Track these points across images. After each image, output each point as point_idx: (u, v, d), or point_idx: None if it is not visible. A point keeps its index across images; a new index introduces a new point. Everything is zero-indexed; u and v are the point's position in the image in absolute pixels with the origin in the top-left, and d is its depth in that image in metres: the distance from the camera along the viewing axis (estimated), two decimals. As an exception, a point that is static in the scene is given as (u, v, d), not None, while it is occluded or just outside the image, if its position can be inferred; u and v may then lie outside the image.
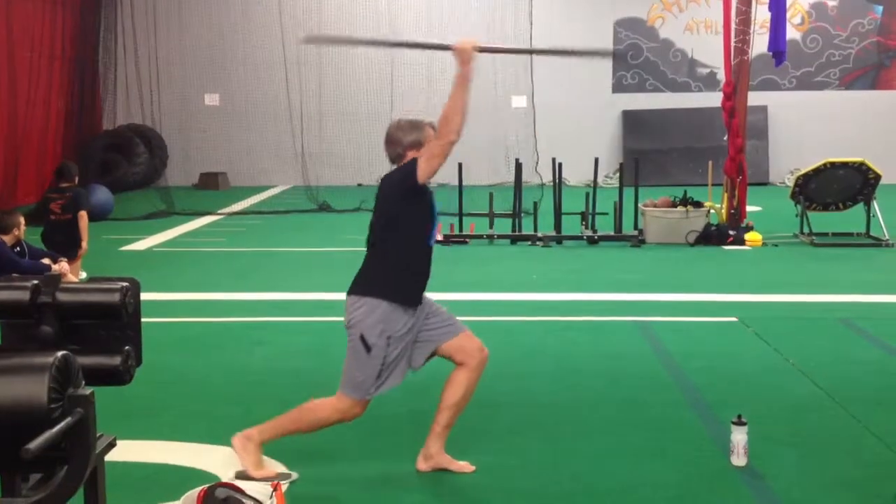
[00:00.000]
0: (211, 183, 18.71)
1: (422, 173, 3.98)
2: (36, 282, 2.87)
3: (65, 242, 8.56)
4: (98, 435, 2.67)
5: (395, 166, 4.19)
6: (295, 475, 4.19)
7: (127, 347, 2.92)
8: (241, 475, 4.11)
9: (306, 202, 15.44)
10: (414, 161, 4.03)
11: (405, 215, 4.09)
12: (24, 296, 2.84)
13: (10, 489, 2.78)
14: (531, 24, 17.50)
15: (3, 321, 2.98)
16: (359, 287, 4.12)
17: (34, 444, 2.27)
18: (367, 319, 4.03)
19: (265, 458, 4.24)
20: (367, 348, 4.02)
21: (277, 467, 4.27)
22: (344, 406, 4.12)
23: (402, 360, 4.13)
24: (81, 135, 17.18)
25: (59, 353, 2.49)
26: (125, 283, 2.92)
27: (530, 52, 4.44)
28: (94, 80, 17.56)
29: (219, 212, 14.90)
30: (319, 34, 4.25)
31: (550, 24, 18.59)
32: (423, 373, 4.38)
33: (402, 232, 4.09)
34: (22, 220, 7.58)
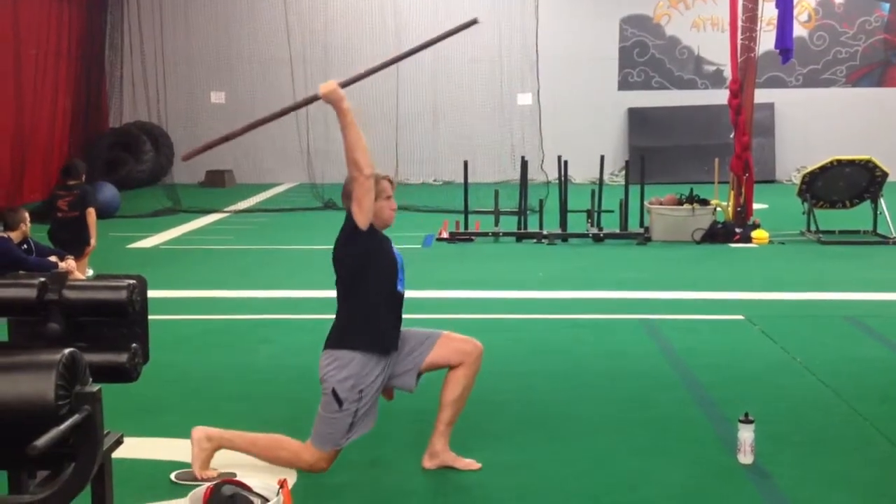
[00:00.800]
0: (217, 181, 18.73)
1: (359, 219, 4.00)
2: (43, 279, 2.88)
3: (71, 240, 8.58)
4: (105, 432, 2.68)
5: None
6: (236, 474, 4.14)
7: (134, 345, 2.93)
8: (184, 476, 4.12)
9: (312, 200, 15.44)
10: (349, 216, 4.04)
11: (367, 266, 4.06)
12: (32, 293, 2.84)
13: (17, 486, 2.79)
14: (537, 21, 17.48)
15: (10, 318, 2.99)
16: (332, 341, 4.11)
17: (41, 441, 2.27)
18: (339, 374, 4.01)
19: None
20: (339, 402, 4.01)
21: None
22: (311, 459, 4.10)
23: (374, 406, 4.12)
24: (88, 132, 17.22)
25: (67, 351, 2.49)
26: (132, 281, 2.92)
27: (395, 60, 4.37)
28: (101, 78, 17.59)
29: (225, 209, 14.92)
30: (193, 149, 4.26)
31: (556, 22, 18.58)
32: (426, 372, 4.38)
33: (369, 283, 4.07)
34: (27, 216, 7.61)
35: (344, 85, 4.05)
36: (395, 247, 4.24)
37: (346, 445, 4.11)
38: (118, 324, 2.93)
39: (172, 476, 4.14)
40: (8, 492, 2.80)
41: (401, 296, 4.21)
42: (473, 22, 4.27)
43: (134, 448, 4.02)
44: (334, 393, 4.02)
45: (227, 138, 4.18)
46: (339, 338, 4.09)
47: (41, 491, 2.55)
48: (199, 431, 4.19)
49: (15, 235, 7.46)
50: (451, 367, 4.26)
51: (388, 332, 4.13)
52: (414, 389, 4.28)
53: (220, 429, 4.24)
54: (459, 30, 4.30)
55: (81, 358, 2.55)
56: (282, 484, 3.53)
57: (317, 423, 4.11)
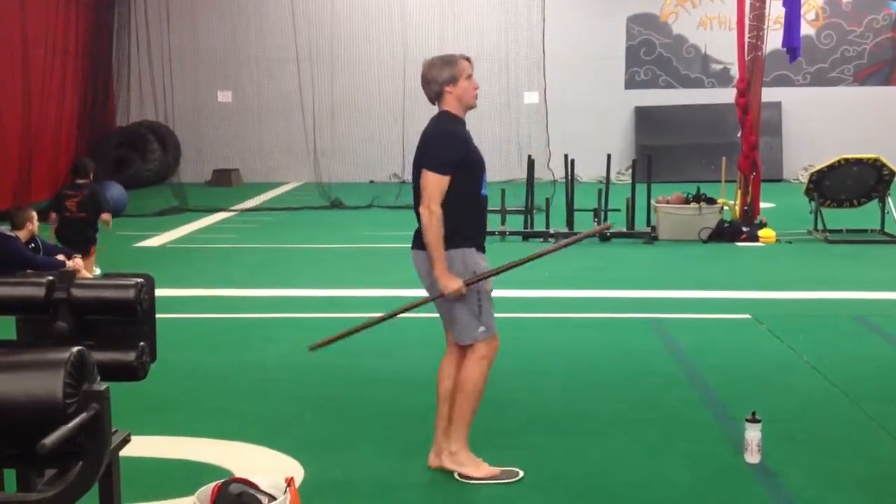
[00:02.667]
0: (224, 179, 18.76)
1: (425, 174, 4.04)
2: (51, 278, 2.88)
3: (79, 239, 8.61)
4: (113, 430, 2.68)
5: (436, 106, 4.20)
6: (521, 472, 4.18)
7: (142, 343, 2.93)
8: (464, 476, 4.14)
9: (318, 199, 15.46)
10: (438, 156, 4.03)
11: (459, 168, 4.08)
12: (40, 292, 2.85)
13: (25, 484, 2.79)
14: (544, 19, 17.47)
15: (18, 317, 3.00)
16: (423, 242, 4.10)
17: (50, 440, 2.27)
18: (451, 269, 4.04)
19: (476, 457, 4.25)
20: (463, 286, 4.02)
21: (290, 464, 4.28)
22: (482, 351, 4.13)
23: (489, 294, 4.14)
24: (95, 132, 17.26)
25: (75, 349, 2.49)
26: (140, 280, 2.92)
27: (529, 259, 4.46)
28: (108, 77, 17.64)
29: (232, 208, 14.94)
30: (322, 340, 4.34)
31: (563, 20, 18.56)
32: (433, 371, 4.39)
33: (455, 188, 4.07)
34: (34, 215, 7.63)
35: (468, 284, 4.07)
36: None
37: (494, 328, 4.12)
38: (126, 322, 2.93)
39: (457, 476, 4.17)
40: (16, 489, 2.81)
41: (485, 198, 4.26)
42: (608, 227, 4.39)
43: (141, 446, 4.02)
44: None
45: (356, 329, 4.21)
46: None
47: (49, 489, 2.55)
48: (447, 463, 4.18)
49: (22, 234, 7.48)
50: (443, 359, 4.27)
51: (477, 231, 4.18)
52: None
53: (448, 442, 4.18)
54: (430, 301, 4.27)
55: (90, 356, 2.55)
56: (289, 482, 3.53)
57: (455, 323, 4.11)
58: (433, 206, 3.99)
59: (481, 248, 4.20)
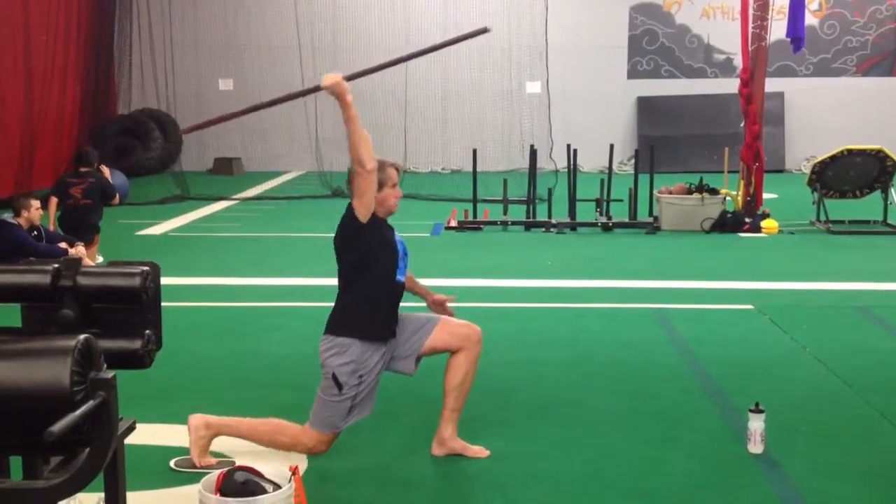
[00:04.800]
0: (225, 168, 18.74)
1: (360, 212, 4.00)
2: (57, 265, 2.89)
3: (82, 226, 8.62)
4: (118, 418, 2.69)
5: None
6: (235, 461, 4.15)
7: (147, 331, 2.93)
8: (183, 463, 4.14)
9: (320, 188, 15.44)
10: (350, 208, 4.04)
11: (368, 259, 4.07)
12: (46, 279, 2.85)
13: (31, 471, 2.80)
14: (546, 9, 17.42)
15: (23, 304, 3.00)
16: (332, 327, 4.13)
17: (57, 427, 2.28)
18: (339, 359, 4.04)
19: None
20: (339, 387, 4.04)
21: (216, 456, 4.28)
22: (310, 442, 4.13)
23: (373, 391, 4.15)
24: (96, 119, 17.24)
25: (82, 337, 2.50)
26: (145, 268, 2.93)
27: (402, 60, 4.40)
28: (109, 65, 17.60)
29: (233, 197, 14.93)
30: (193, 124, 4.35)
31: (566, 9, 18.52)
32: (435, 358, 4.39)
33: (369, 272, 4.08)
34: (33, 203, 7.61)
35: (349, 78, 4.01)
36: (398, 235, 4.24)
37: (344, 429, 4.14)
38: (132, 310, 2.93)
39: (171, 463, 4.16)
40: (22, 477, 2.82)
41: (401, 285, 4.23)
42: (484, 30, 4.27)
43: (146, 434, 4.03)
44: (334, 378, 4.04)
45: (225, 118, 4.19)
46: (338, 324, 4.11)
47: (55, 476, 2.56)
48: (197, 419, 4.20)
49: (21, 222, 7.48)
50: (452, 353, 4.27)
51: (386, 321, 4.15)
52: (413, 373, 4.29)
53: (218, 416, 4.24)
54: (468, 37, 4.30)
55: (96, 344, 2.55)
56: (293, 470, 3.54)
57: (316, 406, 4.13)
58: (357, 165, 3.93)
59: (385, 340, 4.12)
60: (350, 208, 4.05)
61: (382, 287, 4.11)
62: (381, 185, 4.07)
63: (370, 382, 4.10)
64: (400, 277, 4.20)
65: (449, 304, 4.46)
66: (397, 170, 4.20)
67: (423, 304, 4.48)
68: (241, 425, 4.23)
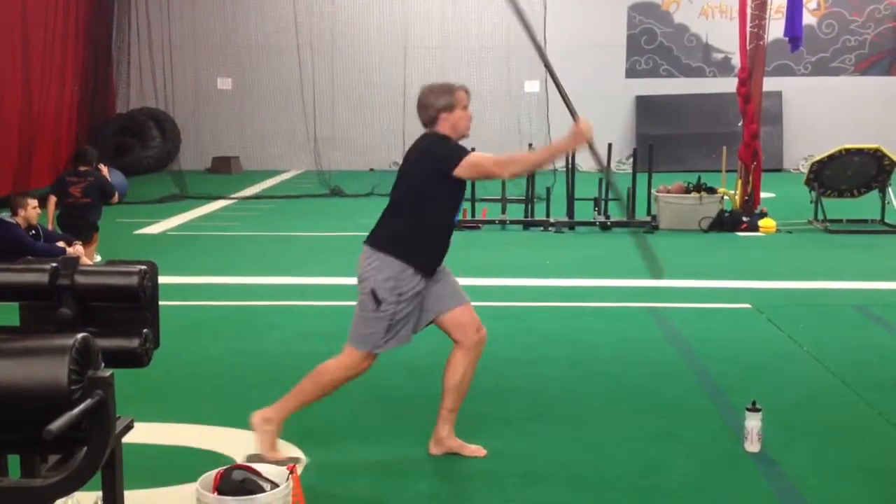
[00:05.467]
0: (223, 167, 18.75)
1: (459, 172, 4.02)
2: (55, 264, 2.89)
3: (81, 225, 8.62)
4: (116, 417, 2.69)
5: (427, 129, 4.20)
6: (306, 460, 4.21)
7: (145, 330, 2.93)
8: (254, 458, 4.14)
9: (318, 187, 15.45)
10: (459, 151, 4.04)
11: (431, 190, 4.09)
12: (44, 278, 2.85)
13: (29, 470, 2.80)
14: (545, 7, 17.42)
15: (21, 303, 3.00)
16: (375, 240, 4.12)
17: (55, 425, 2.28)
18: (380, 275, 4.04)
19: (280, 441, 4.27)
20: (377, 302, 4.05)
21: (290, 451, 4.29)
22: (352, 361, 4.15)
23: (411, 320, 4.14)
24: (95, 118, 17.23)
25: (80, 335, 2.50)
26: (143, 266, 2.93)
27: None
28: (108, 64, 17.59)
29: (232, 196, 14.94)
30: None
31: (564, 8, 18.52)
32: (434, 357, 4.39)
33: (427, 204, 4.09)
34: (30, 202, 7.61)
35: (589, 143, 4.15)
36: None
37: (384, 351, 4.14)
38: (129, 309, 2.93)
39: (240, 459, 4.15)
40: (20, 475, 2.82)
41: (451, 227, 4.24)
42: None
43: (144, 433, 4.03)
44: (373, 293, 4.04)
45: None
46: (385, 242, 4.09)
47: (53, 475, 2.57)
48: (256, 417, 4.21)
49: (19, 221, 7.48)
50: (453, 349, 4.26)
51: (433, 256, 4.16)
52: (417, 332, 4.25)
53: (269, 407, 4.22)
54: (570, 107, 4.52)
55: (94, 343, 2.56)
56: (291, 469, 3.54)
57: (355, 324, 4.13)
58: (501, 163, 4.00)
59: (425, 274, 4.12)
60: (456, 155, 4.02)
61: (438, 223, 4.11)
62: (451, 108, 4.11)
63: (409, 304, 4.08)
64: (454, 219, 4.21)
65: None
66: (466, 92, 4.20)
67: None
68: (294, 395, 4.22)
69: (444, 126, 4.15)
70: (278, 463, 3.94)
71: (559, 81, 4.47)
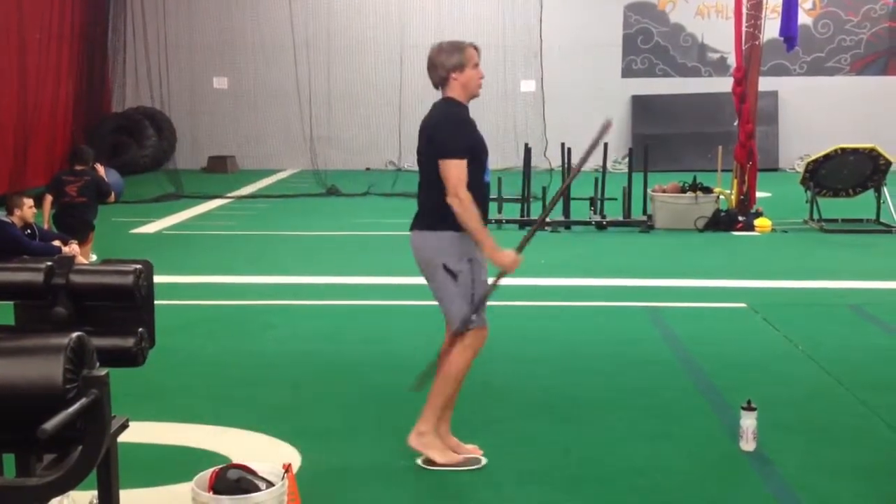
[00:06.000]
0: (219, 166, 18.73)
1: (441, 165, 4.00)
2: (50, 263, 2.89)
3: (77, 224, 8.61)
4: (111, 416, 2.69)
5: (440, 90, 4.18)
6: (484, 460, 4.19)
7: (140, 329, 2.93)
8: (428, 462, 4.15)
9: (315, 186, 15.44)
10: (453, 147, 3.99)
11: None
12: (38, 277, 2.85)
13: (24, 469, 2.80)
14: (541, 7, 17.44)
15: (16, 302, 3.00)
16: (423, 222, 4.11)
17: (50, 424, 2.28)
18: (445, 248, 4.03)
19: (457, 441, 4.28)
20: (454, 275, 4.02)
21: (292, 452, 4.29)
22: (469, 340, 4.10)
23: (485, 283, 4.10)
24: (91, 117, 17.21)
25: (75, 335, 2.50)
26: (139, 266, 2.93)
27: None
28: (104, 63, 17.57)
29: (227, 195, 14.92)
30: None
31: (560, 8, 18.52)
32: (428, 355, 4.39)
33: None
34: (26, 202, 7.61)
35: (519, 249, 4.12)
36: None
37: (484, 319, 4.10)
38: (125, 308, 2.93)
39: (419, 462, 4.18)
40: (15, 474, 2.82)
41: (488, 185, 4.21)
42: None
43: (139, 432, 4.03)
44: (445, 268, 4.03)
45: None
46: (430, 219, 4.08)
47: (48, 474, 2.57)
48: (413, 439, 4.18)
49: (15, 220, 7.48)
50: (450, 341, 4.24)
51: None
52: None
53: (419, 422, 4.18)
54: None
55: (89, 342, 2.56)
56: (287, 468, 3.54)
57: (445, 307, 4.10)
58: (461, 194, 3.95)
59: None
60: (445, 147, 4.00)
61: (472, 185, 4.04)
62: (462, 67, 4.08)
63: (481, 268, 4.06)
64: (486, 177, 4.18)
65: None
66: (476, 49, 4.16)
67: (427, 304, 4.47)
68: (433, 397, 4.16)
69: (454, 87, 4.12)
70: (454, 465, 4.01)
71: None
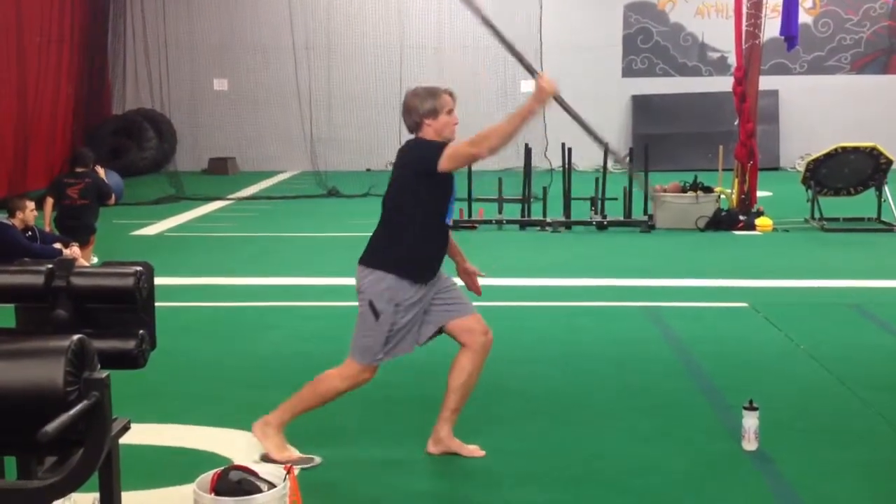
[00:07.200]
0: (220, 168, 18.72)
1: (443, 164, 4.00)
2: (51, 266, 2.89)
3: (79, 227, 8.62)
4: (112, 418, 2.69)
5: (413, 135, 4.18)
6: (318, 459, 4.22)
7: (141, 331, 2.93)
8: (265, 458, 4.15)
9: (315, 187, 15.44)
10: (437, 148, 4.02)
11: (421, 192, 4.07)
12: (39, 280, 2.85)
13: (25, 471, 2.80)
14: (541, 7, 17.43)
15: (17, 305, 3.00)
16: (368, 258, 4.14)
17: (52, 427, 2.28)
18: (376, 288, 4.05)
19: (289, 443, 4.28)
20: (376, 314, 4.05)
21: (300, 451, 4.29)
22: (352, 372, 4.16)
23: (413, 329, 4.14)
24: (91, 120, 17.21)
25: (76, 337, 2.50)
26: (139, 268, 2.93)
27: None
28: (104, 65, 17.57)
29: (228, 197, 14.92)
30: None
31: (561, 8, 18.52)
32: (435, 356, 4.39)
33: (417, 208, 4.08)
34: (27, 205, 7.61)
35: (555, 98, 4.15)
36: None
37: (385, 362, 4.16)
38: (126, 310, 2.93)
39: (255, 457, 4.19)
40: (17, 477, 2.82)
41: (446, 228, 4.21)
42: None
43: (141, 434, 4.03)
44: (371, 305, 4.05)
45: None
46: (374, 256, 4.11)
47: (50, 476, 2.56)
48: (257, 425, 4.25)
49: (16, 223, 7.48)
50: (459, 351, 4.26)
51: (425, 263, 4.12)
52: (423, 344, 4.24)
53: (271, 413, 4.25)
54: (526, 65, 4.49)
55: (90, 344, 2.55)
56: (288, 470, 3.54)
57: (355, 336, 4.15)
58: (477, 144, 3.95)
59: (421, 282, 4.11)
60: (434, 152, 3.99)
61: (428, 225, 4.07)
62: (435, 113, 4.09)
63: (408, 315, 4.08)
64: (447, 220, 4.17)
65: (479, 279, 4.48)
66: (451, 96, 4.17)
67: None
68: (293, 401, 4.24)
69: (428, 132, 4.13)
70: (289, 462, 3.94)
71: (510, 42, 4.43)
